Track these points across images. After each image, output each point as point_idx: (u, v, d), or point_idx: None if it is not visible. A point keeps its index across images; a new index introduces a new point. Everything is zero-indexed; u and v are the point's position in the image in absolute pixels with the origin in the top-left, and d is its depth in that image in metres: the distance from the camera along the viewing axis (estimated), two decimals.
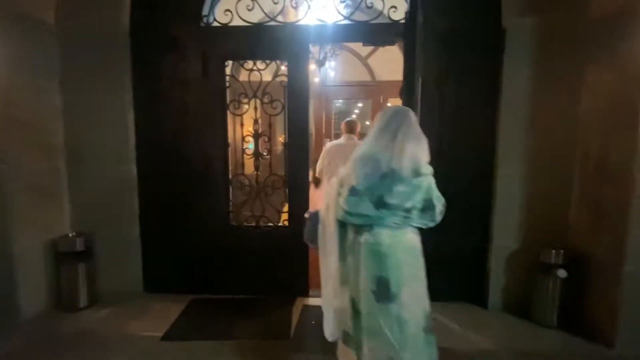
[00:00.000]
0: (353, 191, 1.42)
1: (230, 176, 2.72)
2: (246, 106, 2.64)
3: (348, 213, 1.44)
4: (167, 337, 2.21)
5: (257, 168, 2.67)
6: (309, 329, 2.31)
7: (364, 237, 1.44)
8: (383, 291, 1.39)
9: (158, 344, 2.14)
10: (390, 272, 1.40)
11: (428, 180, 1.45)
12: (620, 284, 2.02)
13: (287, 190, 2.68)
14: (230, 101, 2.65)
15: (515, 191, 2.50)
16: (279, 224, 2.72)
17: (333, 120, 5.17)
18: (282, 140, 2.74)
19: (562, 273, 2.29)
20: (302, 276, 2.74)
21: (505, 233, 2.53)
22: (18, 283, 2.31)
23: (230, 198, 2.75)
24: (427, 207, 1.45)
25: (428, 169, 1.46)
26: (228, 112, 2.65)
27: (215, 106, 2.62)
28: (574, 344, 2.19)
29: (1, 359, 1.97)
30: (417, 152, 1.44)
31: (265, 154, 2.68)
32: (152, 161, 2.69)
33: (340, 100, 5.41)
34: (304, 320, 2.42)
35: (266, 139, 2.69)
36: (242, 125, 2.68)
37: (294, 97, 2.59)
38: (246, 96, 2.62)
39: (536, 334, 2.31)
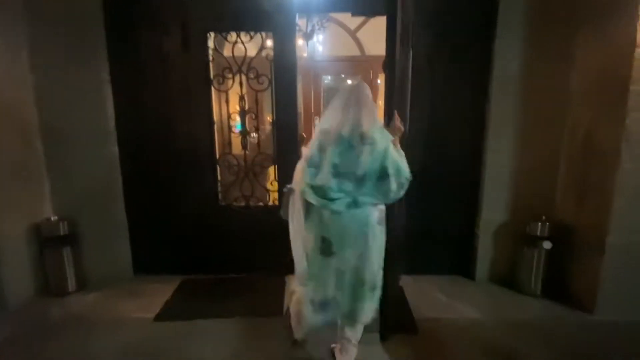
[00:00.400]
0: (310, 162, 1.58)
1: (217, 155, 2.65)
2: (231, 81, 2.52)
3: (308, 185, 1.56)
4: (159, 318, 2.21)
5: (244, 147, 2.60)
6: None
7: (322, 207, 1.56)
8: (325, 248, 1.58)
9: (151, 325, 2.14)
10: (333, 235, 1.57)
11: (379, 147, 1.49)
12: (603, 255, 2.09)
13: (276, 169, 2.63)
14: (214, 76, 2.53)
15: (505, 166, 2.52)
16: (269, 204, 2.69)
17: (322, 98, 5.04)
18: (270, 120, 2.65)
19: (547, 244, 2.35)
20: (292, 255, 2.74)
21: (494, 206, 2.57)
22: (2, 270, 2.24)
23: (219, 178, 2.69)
24: (381, 177, 1.50)
25: (376, 136, 1.50)
26: (212, 88, 2.53)
27: (198, 82, 2.50)
28: (556, 311, 2.29)
29: None
30: (360, 117, 1.51)
31: (252, 132, 2.60)
32: (134, 141, 2.59)
33: (329, 77, 5.24)
34: None
35: (253, 116, 2.60)
36: (227, 102, 2.58)
37: (281, 72, 2.49)
38: (230, 71, 2.50)
39: (521, 302, 2.40)
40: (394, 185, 1.51)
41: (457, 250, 2.73)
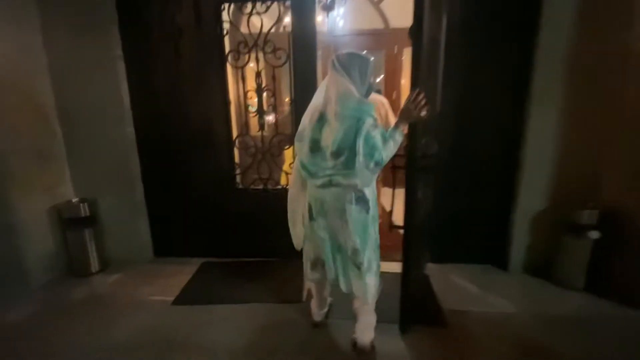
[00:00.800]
0: (297, 136, 1.65)
1: (234, 136, 2.54)
2: (247, 57, 2.37)
3: (300, 161, 1.66)
4: (178, 301, 2.19)
5: (261, 127, 2.47)
6: None
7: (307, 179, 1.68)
8: (310, 213, 1.70)
9: (170, 308, 2.13)
10: (314, 205, 1.67)
11: (349, 122, 1.46)
12: None
13: (294, 150, 2.49)
14: (229, 52, 2.38)
15: (547, 145, 2.26)
16: (287, 187, 2.58)
17: None
18: (288, 99, 2.49)
19: (594, 234, 2.12)
20: None
21: (533, 190, 2.33)
22: (26, 250, 2.28)
23: (236, 160, 2.59)
24: (354, 154, 1.48)
25: (347, 111, 1.47)
26: (227, 64, 2.40)
27: (213, 57, 2.37)
28: (600, 306, 2.07)
29: (18, 325, 1.98)
30: (336, 90, 1.49)
31: (270, 113, 2.46)
32: (149, 121, 2.52)
33: None
34: None
35: (270, 95, 2.45)
36: (243, 80, 2.44)
37: (300, 46, 2.30)
38: (246, 45, 2.35)
39: (560, 296, 2.19)
40: (359, 163, 1.47)
41: (489, 237, 2.53)
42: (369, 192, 1.63)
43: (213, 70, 2.40)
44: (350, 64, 1.51)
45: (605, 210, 2.13)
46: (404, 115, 1.54)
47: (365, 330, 1.74)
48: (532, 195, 2.34)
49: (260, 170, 2.55)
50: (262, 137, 2.49)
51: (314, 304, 1.97)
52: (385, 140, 1.50)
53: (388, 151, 1.50)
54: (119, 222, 2.63)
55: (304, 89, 2.36)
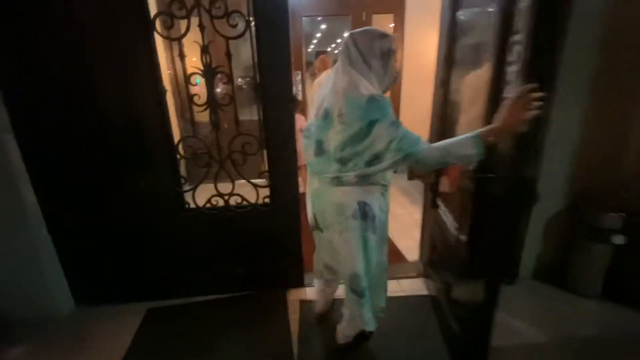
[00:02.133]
0: (304, 131, 1.45)
1: (175, 140, 1.81)
2: (185, 24, 1.60)
3: (307, 160, 1.47)
4: None
5: (214, 124, 1.76)
6: (317, 337, 1.76)
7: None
8: (315, 222, 1.56)
9: None
10: (315, 211, 1.52)
11: (358, 125, 1.19)
12: None
13: (264, 154, 1.85)
14: (157, 14, 1.58)
15: (566, 142, 1.92)
16: (257, 202, 1.96)
17: (304, 48, 4.06)
18: (246, 81, 1.79)
19: (619, 239, 1.87)
20: (293, 264, 2.10)
21: (549, 189, 2.01)
22: None
23: (183, 172, 1.87)
24: (370, 162, 1.26)
25: (352, 112, 1.19)
26: (155, 33, 1.61)
27: (131, 25, 1.56)
28: (620, 314, 1.88)
29: None
30: (339, 84, 1.24)
31: (225, 101, 1.75)
32: (42, 126, 1.67)
33: (319, 19, 4.20)
34: (308, 324, 1.86)
35: (224, 79, 1.73)
36: (182, 57, 1.67)
37: (267, 6, 1.59)
38: (183, 5, 1.57)
39: (583, 307, 1.96)
40: (387, 162, 1.22)
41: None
42: (378, 205, 1.38)
43: (133, 42, 1.59)
44: (371, 49, 1.21)
45: (631, 213, 1.88)
46: (505, 121, 1.05)
47: (349, 325, 1.67)
48: (548, 194, 2.02)
49: (219, 183, 1.87)
50: (217, 138, 1.79)
51: (318, 299, 1.92)
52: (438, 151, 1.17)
53: (440, 155, 1.17)
54: (17, 272, 1.81)
55: (273, 70, 1.69)
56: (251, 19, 1.62)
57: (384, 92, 1.29)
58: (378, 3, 3.87)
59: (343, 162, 1.29)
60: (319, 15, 4.27)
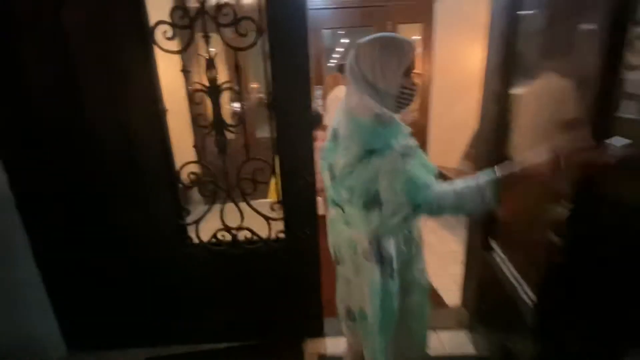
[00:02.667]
0: (321, 152, 1.21)
1: (177, 166, 1.57)
2: (188, 34, 1.39)
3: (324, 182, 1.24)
4: None
5: (222, 149, 1.52)
6: None
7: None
8: (335, 255, 1.32)
9: None
10: (334, 245, 1.30)
11: (357, 152, 1.00)
12: None
13: (277, 183, 1.58)
14: (157, 24, 1.38)
15: None
16: (270, 237, 1.67)
17: (324, 62, 3.85)
18: (262, 99, 1.55)
19: None
20: (311, 309, 1.79)
21: None
22: None
23: (183, 203, 1.63)
24: (367, 204, 1.04)
25: (360, 134, 1.01)
26: (154, 46, 1.40)
27: (127, 36, 1.37)
28: None
29: None
30: (350, 103, 1.05)
31: (235, 122, 1.50)
32: (28, 154, 1.49)
33: (341, 32, 4.01)
34: None
35: (234, 96, 1.49)
36: (185, 72, 1.45)
37: (281, 12, 1.35)
38: (186, 14, 1.36)
39: None
40: (388, 216, 1.03)
41: None
42: (397, 242, 1.13)
43: (130, 56, 1.39)
44: (373, 66, 0.99)
45: None
46: (539, 168, 0.88)
47: None
48: None
49: (226, 215, 1.61)
50: (225, 164, 1.54)
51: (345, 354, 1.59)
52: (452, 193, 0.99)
53: (454, 203, 0.98)
54: (3, 313, 1.61)
55: (289, 84, 1.43)
56: (265, 27, 1.38)
57: (401, 111, 1.06)
58: (403, 12, 3.61)
59: (348, 194, 1.08)
60: (341, 28, 4.05)
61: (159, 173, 1.53)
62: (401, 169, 0.95)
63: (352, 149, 1.01)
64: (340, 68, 3.41)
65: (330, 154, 1.13)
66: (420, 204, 0.98)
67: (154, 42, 1.38)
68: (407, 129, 1.08)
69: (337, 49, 8.01)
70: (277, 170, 1.54)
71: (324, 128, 3.53)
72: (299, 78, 1.41)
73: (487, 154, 1.60)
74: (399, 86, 1.01)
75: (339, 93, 3.47)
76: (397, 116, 1.05)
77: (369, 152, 0.97)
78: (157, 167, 1.53)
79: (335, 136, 1.11)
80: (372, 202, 1.02)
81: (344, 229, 1.20)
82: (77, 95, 1.41)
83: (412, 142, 1.06)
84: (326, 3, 3.69)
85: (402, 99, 1.03)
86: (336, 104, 3.38)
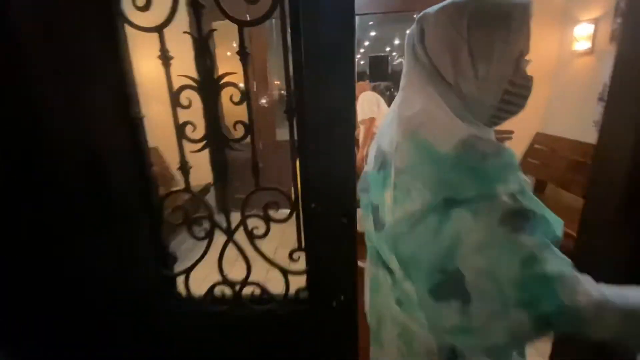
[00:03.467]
0: (361, 183, 0.80)
1: (158, 196, 1.11)
2: (169, 3, 0.91)
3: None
4: None
5: (219, 172, 1.04)
6: None
7: None
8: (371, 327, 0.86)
9: None
10: (371, 317, 0.84)
11: (427, 197, 0.57)
12: None
13: (301, 224, 1.08)
14: None
15: None
16: (288, 295, 1.18)
17: (356, 54, 3.32)
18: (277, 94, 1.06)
19: None
20: None
21: None
22: None
23: (168, 245, 1.17)
24: (439, 287, 0.57)
25: (438, 171, 0.57)
26: (125, 25, 0.94)
27: (86, 11, 0.91)
28: None
29: None
30: (409, 117, 0.62)
31: (239, 133, 1.01)
32: None
33: (371, 22, 3.47)
34: None
35: (238, 95, 1.00)
36: (165, 59, 0.98)
37: None
38: None
39: None
40: (481, 322, 0.55)
41: None
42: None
43: (88, 37, 0.94)
44: (477, 43, 0.57)
45: None
46: None
47: None
48: None
49: (228, 263, 1.14)
50: (224, 193, 1.06)
51: None
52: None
53: (619, 322, 0.50)
54: None
55: (322, 80, 0.92)
56: None
57: (499, 123, 0.65)
58: None
59: (402, 264, 0.64)
60: (377, 13, 3.48)
61: (134, 205, 1.08)
62: (514, 241, 0.53)
63: (417, 194, 0.58)
64: (369, 73, 2.92)
65: (376, 188, 0.70)
66: (552, 313, 0.51)
67: (120, 14, 0.92)
68: (513, 155, 0.59)
69: (365, 44, 7.25)
70: (300, 204, 1.05)
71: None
72: (338, 69, 0.90)
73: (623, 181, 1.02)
74: (504, 83, 0.60)
75: (373, 93, 2.94)
76: (489, 131, 0.65)
77: (449, 203, 0.55)
78: (132, 197, 1.07)
79: (383, 163, 0.68)
80: (448, 289, 0.57)
81: (393, 306, 0.73)
82: (36, 93, 0.97)
83: (525, 182, 0.59)
84: None
85: (507, 104, 0.61)
86: (370, 105, 2.92)
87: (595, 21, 2.67)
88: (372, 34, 6.66)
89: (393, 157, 0.63)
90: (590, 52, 2.76)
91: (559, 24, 3.00)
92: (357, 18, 3.38)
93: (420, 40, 0.62)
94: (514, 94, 0.60)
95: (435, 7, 0.61)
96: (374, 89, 3.13)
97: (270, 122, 3.35)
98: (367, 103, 2.78)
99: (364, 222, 0.80)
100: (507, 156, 0.57)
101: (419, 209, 0.57)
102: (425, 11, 0.62)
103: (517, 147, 3.20)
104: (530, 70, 0.61)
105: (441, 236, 0.56)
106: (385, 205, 0.66)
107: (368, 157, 0.80)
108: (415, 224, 0.58)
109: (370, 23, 5.46)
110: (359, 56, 6.73)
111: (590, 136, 2.81)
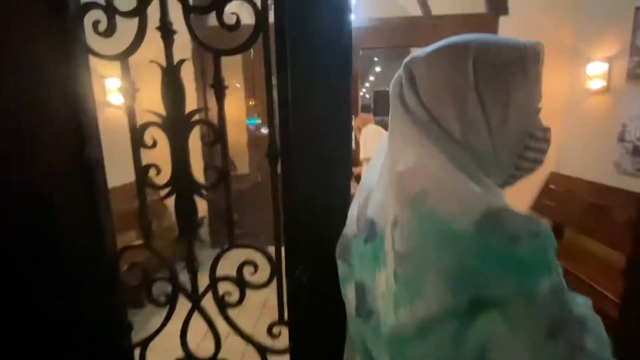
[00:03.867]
0: (339, 248, 0.68)
1: (117, 248, 0.93)
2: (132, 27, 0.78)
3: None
4: None
5: (185, 224, 0.85)
6: None
7: None
8: None
9: None
10: None
11: (444, 297, 0.40)
12: None
13: (283, 287, 0.88)
14: (83, 9, 0.79)
15: None
16: None
17: (361, 89, 3.26)
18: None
19: None
20: None
21: None
22: None
23: (124, 309, 0.97)
24: None
25: (453, 258, 0.41)
26: (87, 53, 0.80)
27: (35, 28, 0.79)
28: None
29: None
30: (408, 180, 0.47)
31: (209, 178, 0.84)
32: None
33: (376, 58, 3.49)
34: None
35: (210, 133, 0.84)
36: (126, 91, 0.83)
37: None
38: None
39: None
40: None
41: None
42: None
43: (42, 60, 0.80)
44: (491, 93, 0.47)
45: None
46: None
47: None
48: None
49: (195, 336, 0.93)
50: (191, 252, 0.87)
51: None
52: None
53: None
54: None
55: (313, 123, 0.76)
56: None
57: (515, 182, 0.54)
58: (461, 29, 2.96)
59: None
60: (380, 47, 3.46)
61: (87, 262, 0.89)
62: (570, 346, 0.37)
63: (431, 291, 0.42)
64: (373, 108, 2.86)
65: (363, 263, 0.56)
66: None
67: (76, 41, 0.78)
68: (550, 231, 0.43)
69: (370, 78, 7.30)
70: (282, 267, 0.85)
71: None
72: (332, 107, 0.74)
73: None
74: (524, 136, 0.50)
75: (377, 127, 2.83)
76: (500, 193, 0.53)
77: (475, 304, 0.40)
78: (82, 251, 0.89)
79: (371, 233, 0.54)
80: None
81: None
82: None
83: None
84: (362, 19, 3.14)
85: (527, 161, 0.51)
86: (373, 142, 2.80)
87: (609, 59, 2.58)
88: (377, 69, 6.75)
89: (388, 232, 0.48)
90: (605, 90, 2.65)
91: (570, 62, 2.92)
92: (360, 52, 3.38)
93: (411, 88, 0.51)
94: (535, 149, 0.50)
95: (426, 50, 0.51)
96: (377, 123, 3.04)
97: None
98: (371, 139, 2.66)
99: (345, 302, 0.63)
100: (546, 234, 0.41)
101: (435, 314, 0.41)
102: (412, 55, 0.52)
103: (530, 186, 3.02)
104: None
105: (463, 350, 0.40)
106: (376, 290, 0.52)
107: (348, 215, 0.66)
108: (427, 332, 0.41)
109: (375, 59, 5.53)
110: (364, 90, 6.80)
111: (610, 178, 2.61)
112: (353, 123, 3.10)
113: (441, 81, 0.49)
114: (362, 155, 2.69)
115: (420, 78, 0.50)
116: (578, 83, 2.87)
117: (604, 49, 2.62)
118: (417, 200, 0.44)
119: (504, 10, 2.80)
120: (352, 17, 3.29)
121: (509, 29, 2.84)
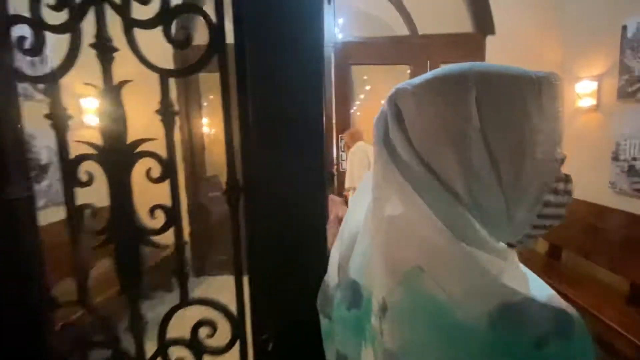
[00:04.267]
0: (319, 300, 0.57)
1: (47, 304, 0.77)
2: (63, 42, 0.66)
3: None
4: None
5: (128, 280, 0.71)
6: None
7: None
8: None
9: None
10: None
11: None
12: None
13: (246, 355, 0.73)
14: (9, 23, 0.67)
15: None
16: None
17: (352, 104, 3.20)
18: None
19: None
20: None
21: None
22: None
23: None
24: None
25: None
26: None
27: None
28: None
29: None
30: (393, 256, 0.38)
31: (160, 221, 0.70)
32: None
33: (365, 77, 3.47)
34: None
35: (155, 171, 0.71)
36: (53, 118, 0.72)
37: None
38: (64, 1, 0.65)
39: None
40: None
41: None
42: None
43: None
44: (505, 113, 0.37)
45: None
46: None
47: None
48: None
49: None
50: (136, 309, 0.73)
51: None
52: None
53: None
54: None
55: (277, 162, 0.64)
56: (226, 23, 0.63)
57: (529, 242, 0.42)
58: (448, 48, 2.94)
59: None
60: (370, 64, 3.42)
61: (7, 318, 0.73)
62: None
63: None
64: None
65: (345, 330, 0.48)
66: None
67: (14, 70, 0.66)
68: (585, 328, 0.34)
69: (360, 97, 7.42)
70: (245, 329, 0.70)
71: (336, 191, 2.77)
72: (302, 141, 0.62)
73: None
74: (544, 190, 0.39)
75: (366, 147, 2.73)
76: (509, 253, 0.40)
77: None
78: (15, 306, 0.73)
79: (355, 299, 0.46)
80: None
81: None
82: None
83: None
84: (353, 35, 3.10)
85: (546, 219, 0.40)
86: (360, 167, 2.68)
87: (598, 77, 2.55)
88: (367, 87, 6.81)
89: (375, 320, 0.39)
90: (595, 108, 2.61)
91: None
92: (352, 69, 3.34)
93: (399, 126, 0.40)
94: (555, 204, 0.39)
95: (416, 81, 0.40)
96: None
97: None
98: (358, 165, 2.53)
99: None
100: (578, 333, 0.33)
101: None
102: (399, 87, 0.41)
103: None
104: None
105: None
106: None
107: (330, 260, 0.56)
108: None
109: (365, 77, 5.54)
110: (355, 108, 6.80)
111: (607, 198, 2.54)
112: (342, 141, 3.00)
113: (436, 121, 0.38)
114: (347, 184, 2.57)
115: (409, 116, 0.40)
116: (568, 102, 2.84)
117: (593, 67, 2.60)
118: (411, 279, 0.35)
119: (491, 30, 2.80)
120: (340, 36, 3.25)
121: (496, 49, 2.82)
